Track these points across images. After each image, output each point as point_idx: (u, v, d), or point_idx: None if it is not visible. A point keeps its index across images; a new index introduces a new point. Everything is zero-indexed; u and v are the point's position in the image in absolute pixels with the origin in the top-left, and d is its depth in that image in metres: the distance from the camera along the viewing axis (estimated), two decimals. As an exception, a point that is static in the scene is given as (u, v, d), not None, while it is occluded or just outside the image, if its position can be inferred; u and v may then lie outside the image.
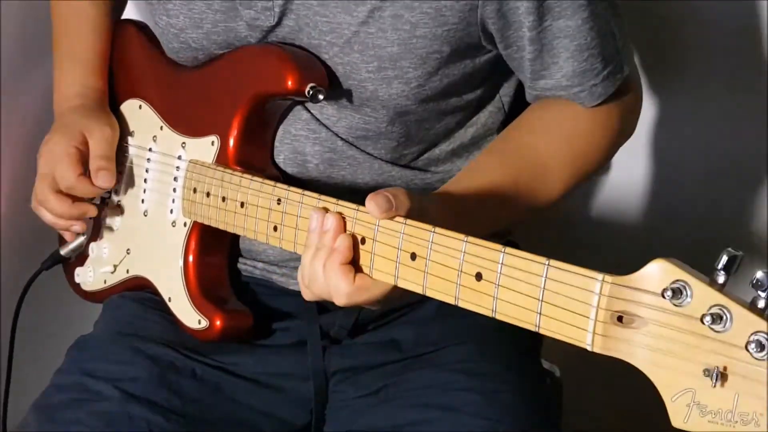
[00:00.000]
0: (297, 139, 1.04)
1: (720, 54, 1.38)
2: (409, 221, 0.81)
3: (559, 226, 1.49)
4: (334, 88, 0.99)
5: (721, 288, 0.63)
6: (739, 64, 1.37)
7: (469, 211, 0.93)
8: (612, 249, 1.50)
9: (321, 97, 0.97)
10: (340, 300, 0.85)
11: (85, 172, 1.10)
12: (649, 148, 1.46)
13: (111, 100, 1.19)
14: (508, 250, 0.73)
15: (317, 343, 1.08)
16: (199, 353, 1.07)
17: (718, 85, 1.39)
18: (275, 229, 0.93)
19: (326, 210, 0.86)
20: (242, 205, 0.97)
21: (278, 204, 0.93)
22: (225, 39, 1.03)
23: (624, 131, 1.07)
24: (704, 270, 0.65)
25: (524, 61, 0.98)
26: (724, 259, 0.63)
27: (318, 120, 1.03)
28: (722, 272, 0.63)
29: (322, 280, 0.85)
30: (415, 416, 0.99)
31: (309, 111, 1.03)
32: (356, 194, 1.03)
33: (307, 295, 0.89)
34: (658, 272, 0.65)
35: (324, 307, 1.04)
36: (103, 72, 1.19)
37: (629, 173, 1.47)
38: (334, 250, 0.84)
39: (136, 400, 1.01)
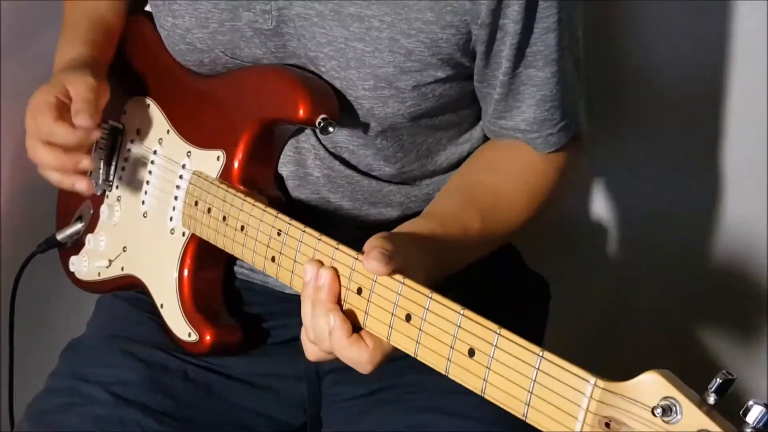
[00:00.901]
0: (299, 151, 1.04)
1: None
2: (407, 281, 0.80)
3: (560, 226, 1.50)
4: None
5: (710, 410, 0.63)
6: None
7: (444, 253, 0.94)
8: (613, 247, 1.52)
9: (331, 129, 0.96)
10: (365, 369, 0.85)
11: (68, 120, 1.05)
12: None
13: (121, 93, 1.17)
14: (503, 332, 0.73)
15: None
16: (191, 355, 1.07)
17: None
18: (273, 259, 0.93)
19: (321, 263, 0.86)
20: (242, 228, 0.97)
21: (278, 236, 0.93)
22: (230, 39, 1.02)
23: (574, 171, 1.11)
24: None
25: (491, 99, 1.02)
26: (718, 382, 0.63)
27: (317, 138, 1.04)
28: (714, 394, 0.63)
29: (328, 342, 0.85)
30: (413, 420, 0.99)
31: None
32: (355, 210, 1.05)
33: (313, 354, 0.88)
34: (650, 385, 0.65)
35: None
36: (106, 50, 1.16)
37: (630, 173, 1.49)
38: (334, 329, 0.84)
39: (129, 404, 1.02)
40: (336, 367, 1.08)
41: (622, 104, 1.45)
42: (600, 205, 1.54)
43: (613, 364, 1.43)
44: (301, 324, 1.09)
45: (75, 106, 1.04)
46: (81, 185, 1.06)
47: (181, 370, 1.06)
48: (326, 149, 1.04)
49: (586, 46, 1.05)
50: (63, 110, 1.04)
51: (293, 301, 1.07)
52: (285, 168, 1.04)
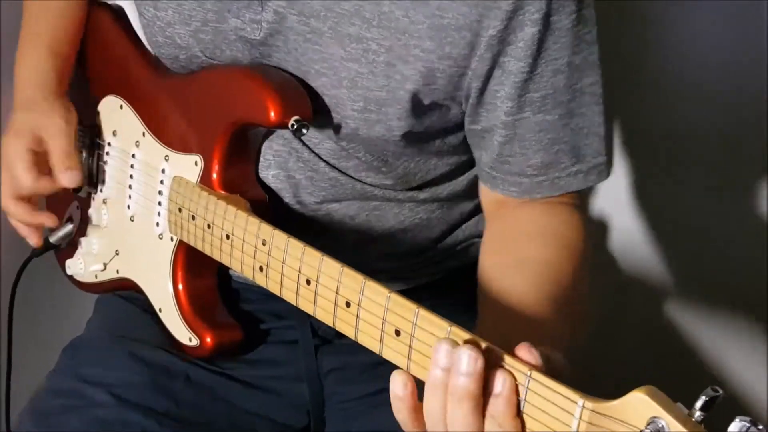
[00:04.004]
0: (279, 154, 1.03)
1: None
2: (393, 294, 0.80)
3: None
4: (317, 116, 0.97)
5: (695, 427, 0.64)
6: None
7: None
8: (610, 249, 1.52)
9: (305, 131, 0.94)
10: None
11: (44, 169, 1.07)
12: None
13: (90, 92, 1.16)
14: (507, 358, 0.72)
15: (309, 343, 1.09)
16: (193, 357, 1.08)
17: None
18: (261, 269, 0.93)
19: (479, 347, 0.71)
20: (227, 237, 0.96)
21: (263, 245, 0.92)
22: (212, 40, 1.00)
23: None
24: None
25: (492, 142, 0.97)
26: (703, 399, 0.64)
27: (301, 140, 1.02)
28: (700, 411, 0.64)
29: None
30: None
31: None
32: (343, 212, 1.04)
33: None
34: (637, 405, 0.65)
35: None
36: (68, 55, 1.14)
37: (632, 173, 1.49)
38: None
39: (131, 406, 1.03)
40: (337, 367, 1.09)
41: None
42: (595, 211, 1.53)
43: (613, 365, 1.45)
44: (300, 324, 1.10)
45: (60, 164, 1.05)
46: (32, 241, 1.14)
47: (183, 371, 1.06)
48: (311, 150, 1.02)
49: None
50: (40, 164, 1.05)
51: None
52: (268, 171, 1.03)
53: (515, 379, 0.71)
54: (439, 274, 1.13)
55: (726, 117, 1.41)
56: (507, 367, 0.71)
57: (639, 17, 1.40)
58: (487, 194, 1.02)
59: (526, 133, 0.95)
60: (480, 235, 1.13)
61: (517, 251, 0.96)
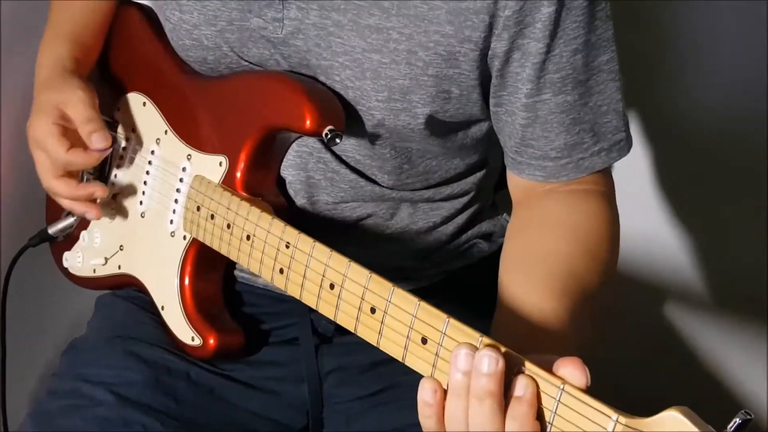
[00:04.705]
0: (300, 155, 1.04)
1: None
2: (422, 303, 0.81)
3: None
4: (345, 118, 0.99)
5: (728, 449, 0.65)
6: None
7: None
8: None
9: (338, 141, 0.96)
10: None
11: (77, 143, 1.06)
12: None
13: (112, 88, 1.16)
14: (528, 365, 0.74)
15: (310, 343, 1.10)
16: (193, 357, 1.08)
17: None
18: (281, 271, 0.93)
19: (499, 351, 0.73)
20: (248, 238, 0.97)
21: (287, 248, 0.93)
22: (239, 38, 1.01)
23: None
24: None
25: (515, 126, 0.99)
26: (737, 422, 0.66)
27: (322, 142, 1.03)
28: (733, 433, 0.66)
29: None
30: (414, 420, 0.99)
31: None
32: (358, 213, 1.05)
33: None
34: (670, 423, 0.67)
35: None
36: (90, 46, 1.15)
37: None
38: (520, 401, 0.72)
39: (132, 404, 1.02)
40: (338, 368, 1.10)
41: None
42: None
43: (613, 364, 1.46)
44: (301, 324, 1.10)
45: (85, 129, 1.04)
46: (91, 214, 1.09)
47: (184, 371, 1.06)
48: (332, 153, 1.03)
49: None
50: (70, 137, 1.05)
51: (294, 302, 1.08)
52: (287, 172, 1.04)
53: (536, 383, 0.72)
54: (441, 276, 1.14)
55: (726, 117, 1.44)
56: (540, 378, 0.73)
57: (641, 16, 1.42)
58: (514, 181, 1.04)
59: (547, 115, 0.97)
60: (481, 236, 1.16)
61: (539, 243, 0.97)
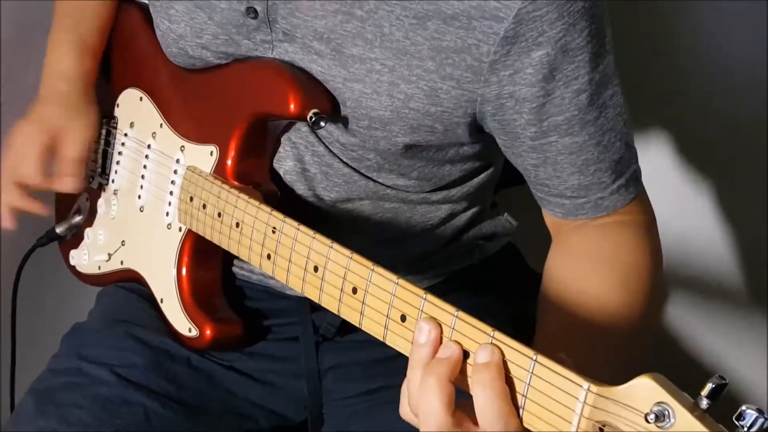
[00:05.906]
0: (296, 146, 1.03)
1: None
2: (401, 281, 0.80)
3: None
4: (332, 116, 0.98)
5: (702, 415, 0.63)
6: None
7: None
8: None
9: (323, 124, 0.95)
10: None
11: (49, 166, 1.11)
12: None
13: (112, 84, 1.17)
14: (497, 335, 0.72)
15: (310, 340, 1.09)
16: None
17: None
18: (269, 257, 0.93)
19: (439, 325, 0.75)
20: (237, 225, 0.96)
21: (273, 233, 0.92)
22: (225, 51, 1.01)
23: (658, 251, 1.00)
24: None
25: (526, 166, 0.96)
26: (710, 386, 0.63)
27: (316, 135, 1.02)
28: (706, 399, 0.63)
29: (434, 420, 0.74)
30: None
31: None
32: (358, 212, 1.04)
33: (406, 415, 0.78)
34: (643, 389, 0.65)
35: (316, 306, 1.05)
36: (97, 52, 1.17)
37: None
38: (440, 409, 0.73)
39: (133, 386, 1.03)
40: (337, 365, 1.09)
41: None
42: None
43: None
44: (301, 324, 1.09)
45: (65, 167, 1.10)
46: (6, 224, 1.15)
47: (185, 356, 1.06)
48: (326, 146, 1.02)
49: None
50: (48, 159, 1.09)
51: (294, 300, 1.08)
52: (283, 163, 1.03)
53: (501, 351, 0.71)
54: (442, 276, 1.12)
55: (726, 118, 1.41)
56: (512, 348, 0.71)
57: (643, 16, 1.40)
58: (545, 214, 1.01)
59: (557, 156, 0.93)
60: (483, 237, 1.14)
61: (574, 282, 0.95)
